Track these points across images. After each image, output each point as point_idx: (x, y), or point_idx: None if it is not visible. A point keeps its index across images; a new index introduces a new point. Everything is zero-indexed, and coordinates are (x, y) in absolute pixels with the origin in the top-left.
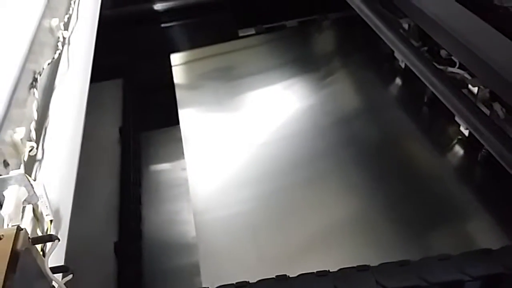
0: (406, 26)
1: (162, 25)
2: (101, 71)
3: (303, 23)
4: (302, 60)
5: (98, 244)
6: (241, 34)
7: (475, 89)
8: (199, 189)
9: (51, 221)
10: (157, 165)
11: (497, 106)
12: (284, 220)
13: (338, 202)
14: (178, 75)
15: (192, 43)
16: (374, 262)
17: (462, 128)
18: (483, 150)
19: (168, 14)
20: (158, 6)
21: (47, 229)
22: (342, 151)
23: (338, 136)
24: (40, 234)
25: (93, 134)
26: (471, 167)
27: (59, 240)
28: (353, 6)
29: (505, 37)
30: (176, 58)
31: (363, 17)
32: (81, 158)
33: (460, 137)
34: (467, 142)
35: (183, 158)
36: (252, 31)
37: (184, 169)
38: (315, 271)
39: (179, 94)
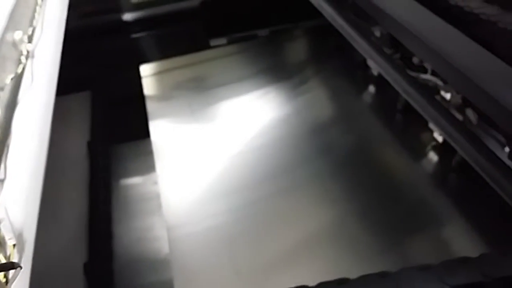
0: (378, 34)
1: (132, 35)
2: (69, 84)
3: (274, 32)
4: (275, 69)
5: (66, 265)
6: (212, 44)
7: (447, 95)
8: (172, 204)
9: (14, 245)
10: (127, 180)
11: (469, 112)
12: (260, 232)
13: (315, 213)
14: (149, 86)
15: (162, 54)
16: (353, 274)
17: (435, 135)
18: (457, 156)
19: (137, 24)
20: (127, 17)
21: (9, 255)
22: (316, 160)
23: (311, 145)
24: (3, 259)
25: (60, 149)
26: (446, 173)
27: (21, 268)
28: (325, 15)
29: (476, 43)
30: (146, 69)
31: (335, 25)
32: (47, 176)
33: (434, 143)
34: (441, 148)
35: (154, 171)
36: (223, 40)
37: (156, 183)
38: (293, 286)
39: (149, 105)
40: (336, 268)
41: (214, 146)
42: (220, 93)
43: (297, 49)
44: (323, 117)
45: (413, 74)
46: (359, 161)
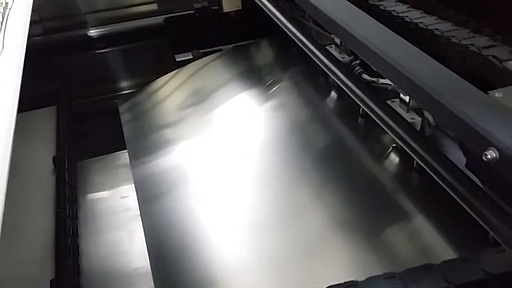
0: (338, 41)
1: (97, 51)
2: (35, 99)
3: (237, 46)
4: (244, 78)
5: (33, 284)
6: (178, 59)
7: (406, 98)
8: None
9: None
10: (94, 194)
11: (427, 113)
12: (236, 243)
13: (284, 221)
14: (121, 102)
15: (128, 69)
16: (320, 284)
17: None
18: None
19: (103, 40)
20: (92, 33)
21: None
22: (282, 167)
23: (276, 152)
24: None
25: (26, 164)
26: (407, 173)
27: None
28: (284, 28)
29: (430, 57)
30: (119, 85)
31: (293, 37)
32: (11, 193)
33: (394, 145)
34: (401, 150)
35: (121, 186)
36: (189, 55)
37: (124, 197)
38: None
39: (122, 120)
40: (304, 279)
41: (187, 157)
42: (194, 105)
43: (260, 60)
44: (291, 123)
45: (373, 78)
46: (327, 164)
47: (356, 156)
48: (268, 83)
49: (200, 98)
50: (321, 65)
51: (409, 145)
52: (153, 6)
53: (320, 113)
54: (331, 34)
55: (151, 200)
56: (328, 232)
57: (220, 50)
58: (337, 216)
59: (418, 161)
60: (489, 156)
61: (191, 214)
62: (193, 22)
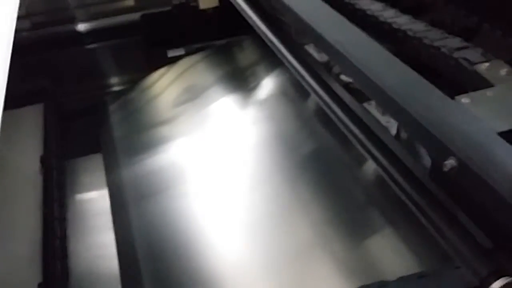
0: None
1: (86, 46)
2: (21, 96)
3: (230, 42)
4: (231, 77)
5: (20, 286)
6: (170, 55)
7: None
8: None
9: None
10: (83, 195)
11: None
12: (227, 244)
13: (276, 222)
14: (111, 99)
15: (118, 65)
16: None
17: None
18: None
19: (92, 35)
20: (81, 27)
21: None
22: (275, 167)
23: (268, 152)
24: None
25: (12, 164)
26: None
27: None
28: (258, 32)
29: (391, 54)
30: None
31: (267, 43)
32: None
33: None
34: None
35: None
36: (181, 51)
37: None
38: None
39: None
40: None
41: (176, 159)
42: (184, 104)
43: (242, 62)
44: (276, 127)
45: (350, 79)
46: (308, 171)
47: (341, 157)
48: (259, 81)
49: (192, 96)
50: (289, 67)
51: (380, 148)
52: (130, 2)
53: (305, 113)
54: None
55: (140, 200)
56: (317, 240)
57: (213, 45)
58: (322, 225)
59: (380, 169)
60: (449, 166)
61: (182, 214)
62: (170, 19)
